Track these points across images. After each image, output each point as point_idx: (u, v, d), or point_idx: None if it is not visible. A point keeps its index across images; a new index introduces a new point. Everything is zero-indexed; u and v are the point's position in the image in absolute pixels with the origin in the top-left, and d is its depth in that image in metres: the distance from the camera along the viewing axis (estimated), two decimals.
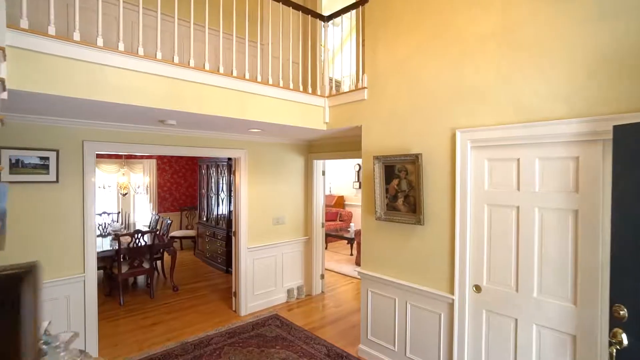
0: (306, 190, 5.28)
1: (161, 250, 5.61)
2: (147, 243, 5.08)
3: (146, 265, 5.05)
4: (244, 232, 4.51)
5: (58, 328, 3.13)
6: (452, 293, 2.74)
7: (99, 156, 6.99)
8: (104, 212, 7.05)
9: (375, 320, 3.37)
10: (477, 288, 2.64)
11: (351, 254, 7.74)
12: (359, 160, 9.62)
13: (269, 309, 4.69)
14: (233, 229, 4.60)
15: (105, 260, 5.17)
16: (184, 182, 8.52)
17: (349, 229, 8.53)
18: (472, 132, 2.62)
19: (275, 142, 4.82)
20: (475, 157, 2.66)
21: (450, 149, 2.78)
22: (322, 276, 5.38)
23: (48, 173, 3.10)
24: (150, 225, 6.73)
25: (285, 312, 4.60)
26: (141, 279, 5.98)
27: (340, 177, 11.15)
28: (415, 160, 2.95)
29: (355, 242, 6.90)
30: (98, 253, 4.69)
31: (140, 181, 8.09)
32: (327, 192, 11.47)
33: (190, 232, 7.82)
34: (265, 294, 4.77)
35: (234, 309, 4.63)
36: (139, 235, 4.85)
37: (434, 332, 2.88)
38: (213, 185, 7.01)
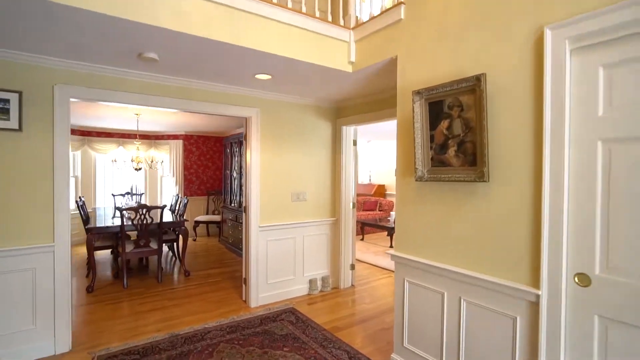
0: (334, 163, 4.42)
1: (175, 231, 5.07)
2: (154, 221, 4.54)
3: (154, 246, 4.52)
4: (255, 207, 3.77)
5: (13, 308, 2.59)
6: (537, 286, 1.75)
7: (110, 135, 6.74)
8: (128, 193, 6.75)
9: (415, 321, 2.43)
10: (583, 279, 1.61)
11: (391, 246, 6.74)
12: None
13: (285, 302, 3.91)
14: (243, 204, 3.88)
15: (113, 240, 4.73)
16: (212, 164, 8.06)
17: (389, 219, 7.53)
18: (573, 24, 1.60)
19: (294, 101, 4.02)
20: (580, 65, 1.63)
21: (533, 62, 1.77)
22: (353, 267, 4.50)
23: (8, 119, 2.56)
24: (172, 207, 6.28)
25: (304, 306, 3.79)
26: (154, 261, 5.52)
27: (381, 164, 10.12)
28: (475, 86, 1.98)
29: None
30: (99, 229, 4.24)
31: (167, 162, 7.75)
32: (367, 181, 10.50)
33: (216, 217, 7.32)
34: (282, 284, 4.00)
35: (244, 298, 3.91)
36: (144, 211, 4.31)
37: (505, 345, 1.89)
38: (236, 164, 6.41)
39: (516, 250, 1.84)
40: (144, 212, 4.31)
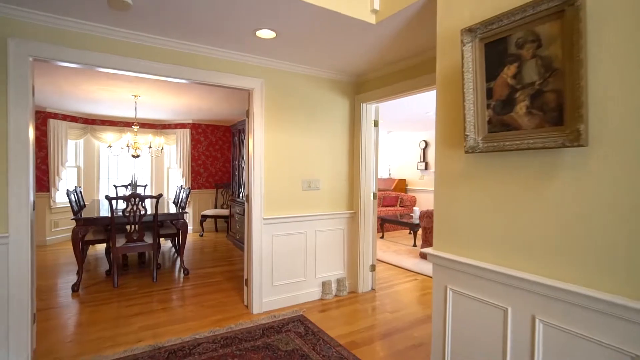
0: (351, 146, 3.80)
1: (175, 223, 4.57)
2: (149, 212, 4.04)
3: (148, 240, 4.02)
4: (259, 195, 3.20)
5: None
6: None
7: (114, 123, 6.17)
8: (130, 184, 6.32)
9: (460, 344, 1.80)
10: None
11: (414, 245, 6.06)
12: (426, 135, 7.70)
13: (294, 307, 3.33)
14: (245, 192, 3.32)
15: (106, 233, 4.27)
16: (220, 155, 7.58)
17: (411, 215, 6.85)
18: None
19: (305, 72, 3.42)
20: None
21: None
22: (373, 268, 3.87)
23: None
24: (175, 198, 5.81)
25: (315, 314, 3.20)
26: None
27: (401, 157, 9.41)
28: (564, 5, 1.33)
29: (421, 227, 5.23)
30: (87, 220, 3.76)
31: (174, 153, 7.31)
32: (386, 175, 9.81)
33: (224, 212, 6.82)
34: (290, 287, 3.42)
35: (246, 303, 3.35)
36: (137, 200, 3.82)
37: None
38: (244, 153, 5.88)
39: (629, 250, 1.18)
40: (136, 202, 3.82)
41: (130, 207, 3.82)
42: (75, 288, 3.63)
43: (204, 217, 6.76)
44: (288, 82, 3.35)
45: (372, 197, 3.84)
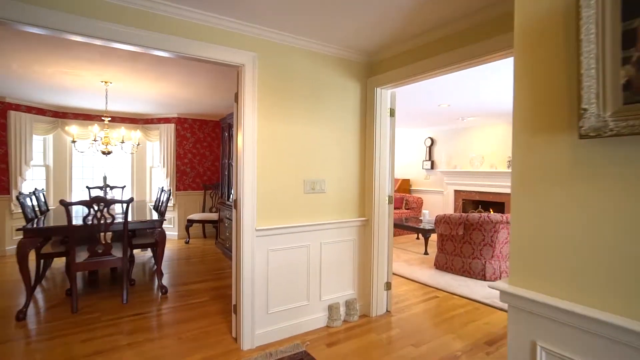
0: (363, 141, 3.16)
1: (150, 232, 3.87)
2: (117, 220, 3.35)
3: (117, 253, 3.33)
4: (250, 200, 2.53)
5: None
6: None
7: (90, 116, 5.25)
8: (107, 186, 5.59)
9: None
10: None
11: (425, 253, 5.44)
12: (432, 132, 6.93)
13: (295, 339, 2.67)
14: (233, 196, 2.65)
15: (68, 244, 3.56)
16: (209, 153, 6.88)
17: (420, 218, 6.23)
18: None
19: (308, 47, 2.77)
20: None
21: None
22: (389, 285, 3.23)
23: None
24: (156, 202, 5.10)
25: (321, 349, 2.54)
26: (136, 271, 4.32)
27: (405, 156, 8.79)
28: None
29: (438, 235, 4.61)
30: (37, 231, 3.03)
31: (157, 150, 6.60)
32: None
33: (213, 216, 6.13)
34: (290, 313, 2.76)
35: (234, 335, 2.68)
36: (101, 206, 3.12)
37: None
38: (234, 149, 5.19)
39: None
40: (100, 207, 3.12)
41: (94, 213, 3.13)
42: (20, 316, 2.92)
43: (190, 222, 6.06)
44: (287, 58, 2.69)
45: (387, 201, 3.20)
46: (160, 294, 3.60)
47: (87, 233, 3.20)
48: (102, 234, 3.31)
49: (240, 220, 2.53)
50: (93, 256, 3.19)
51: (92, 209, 3.10)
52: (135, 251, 5.23)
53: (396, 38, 2.67)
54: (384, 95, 3.11)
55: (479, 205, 7.16)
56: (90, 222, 3.12)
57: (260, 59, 2.56)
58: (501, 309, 3.31)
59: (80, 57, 3.27)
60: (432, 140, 8.09)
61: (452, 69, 2.47)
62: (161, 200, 4.66)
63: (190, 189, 6.66)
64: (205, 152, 6.82)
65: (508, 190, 6.54)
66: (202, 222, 6.12)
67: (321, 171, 2.91)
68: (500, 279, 4.08)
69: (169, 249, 5.67)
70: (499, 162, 6.76)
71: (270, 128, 2.63)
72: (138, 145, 4.45)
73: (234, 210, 2.63)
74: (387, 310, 3.25)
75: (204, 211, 6.62)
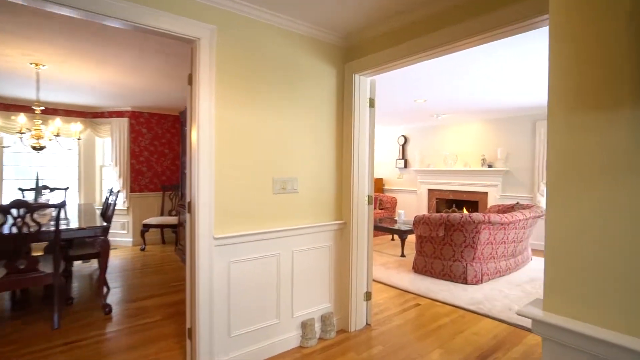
0: (340, 134, 2.81)
1: (91, 242, 3.31)
2: (43, 228, 2.78)
3: (46, 269, 2.76)
4: (207, 204, 2.10)
5: None
6: None
7: (24, 108, 4.52)
8: (45, 187, 4.87)
9: None
10: None
11: (402, 255, 5.19)
12: (405, 130, 6.65)
13: None
14: (187, 198, 2.21)
15: None
16: (169, 151, 6.27)
17: (396, 219, 6.00)
18: None
19: (278, 23, 2.37)
20: None
21: None
22: (369, 295, 2.90)
23: None
24: (104, 207, 4.48)
25: None
26: (81, 286, 3.70)
27: (378, 154, 8.58)
28: None
29: (417, 236, 4.36)
30: None
31: (108, 148, 5.92)
32: None
33: (172, 219, 5.56)
34: (256, 335, 2.35)
35: None
36: (22, 212, 2.55)
37: None
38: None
39: None
40: (21, 214, 2.55)
41: (14, 221, 2.55)
42: None
43: (147, 226, 5.45)
44: (253, 35, 2.28)
45: (367, 202, 2.87)
46: (102, 313, 3.05)
47: (9, 244, 2.62)
48: (30, 244, 2.73)
49: (195, 227, 2.09)
50: (13, 273, 2.61)
51: (11, 216, 2.52)
52: (78, 262, 4.59)
53: (378, 15, 2.34)
54: (362, 83, 2.77)
55: (453, 204, 7.05)
56: (9, 232, 2.54)
57: (220, 33, 2.14)
58: (487, 316, 3.09)
59: (2, 29, 2.68)
60: (406, 138, 7.92)
61: (442, 50, 2.17)
62: (110, 203, 4.07)
63: (147, 190, 6.03)
64: (164, 149, 6.21)
65: (482, 189, 6.47)
66: (160, 226, 5.54)
67: (293, 168, 2.53)
68: (482, 282, 3.89)
69: (122, 257, 5.05)
70: (473, 160, 6.68)
71: (232, 117, 2.22)
72: (79, 139, 3.84)
73: (187, 215, 2.19)
74: (367, 324, 2.91)
75: (162, 214, 6.01)
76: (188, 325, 2.21)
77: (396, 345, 2.57)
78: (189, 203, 2.16)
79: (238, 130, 2.24)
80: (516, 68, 3.45)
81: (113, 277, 4.11)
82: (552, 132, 0.98)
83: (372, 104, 2.86)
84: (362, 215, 2.82)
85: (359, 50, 2.69)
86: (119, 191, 3.77)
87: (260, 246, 2.35)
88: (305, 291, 2.61)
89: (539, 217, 4.35)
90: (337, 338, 2.67)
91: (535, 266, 4.65)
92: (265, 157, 2.37)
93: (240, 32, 2.22)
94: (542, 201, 5.66)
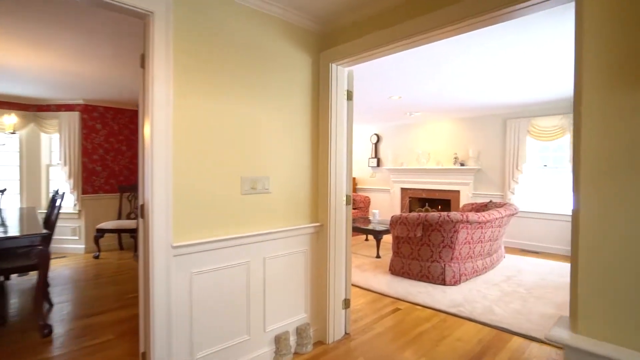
0: (315, 129, 2.58)
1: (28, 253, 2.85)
2: None
3: None
4: (162, 208, 1.79)
5: None
6: None
7: None
8: None
9: None
10: None
11: (377, 256, 5.05)
12: (378, 128, 6.53)
13: None
14: (140, 201, 1.89)
15: None
16: (127, 149, 5.76)
17: (370, 218, 5.86)
18: None
19: (246, 2, 2.10)
20: None
21: None
22: (347, 303, 2.69)
23: None
24: (48, 211, 3.97)
25: None
26: (24, 302, 3.22)
27: None
28: None
29: (393, 236, 4.22)
30: None
31: (56, 145, 5.33)
32: None
33: (130, 223, 5.08)
34: (224, 354, 2.07)
35: None
36: None
37: None
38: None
39: None
40: None
41: None
42: None
43: (101, 231, 4.95)
44: (217, 13, 2.00)
45: (345, 202, 2.66)
46: (39, 335, 2.63)
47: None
48: None
49: (149, 234, 1.78)
50: None
51: None
52: (14, 275, 4.05)
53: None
54: (340, 74, 2.56)
55: (426, 203, 7.04)
56: None
57: (178, 8, 1.84)
58: (468, 319, 2.97)
59: None
60: (378, 137, 7.83)
61: (426, 38, 2.00)
62: (54, 207, 3.59)
63: (102, 192, 5.49)
64: (121, 147, 5.69)
65: (454, 187, 6.48)
66: (117, 231, 5.04)
67: (264, 166, 2.26)
68: (460, 282, 3.80)
69: (71, 267, 4.54)
70: (445, 159, 6.68)
71: (193, 107, 1.92)
72: (13, 133, 3.34)
73: (140, 221, 1.87)
74: (345, 333, 2.71)
75: (120, 218, 5.51)
76: (142, 349, 1.89)
77: (378, 357, 2.37)
78: (142, 206, 1.84)
79: (200, 122, 1.95)
80: (488, 65, 3.38)
81: (59, 291, 3.64)
82: (588, 116, 0.80)
83: (350, 96, 2.65)
84: (340, 217, 2.60)
85: (336, 37, 2.47)
86: (64, 193, 3.32)
87: (227, 254, 2.07)
88: (279, 302, 2.36)
89: (513, 214, 4.35)
90: (314, 352, 2.44)
91: (509, 264, 4.66)
92: (232, 152, 2.10)
93: (201, 8, 1.93)
94: (513, 199, 5.73)
